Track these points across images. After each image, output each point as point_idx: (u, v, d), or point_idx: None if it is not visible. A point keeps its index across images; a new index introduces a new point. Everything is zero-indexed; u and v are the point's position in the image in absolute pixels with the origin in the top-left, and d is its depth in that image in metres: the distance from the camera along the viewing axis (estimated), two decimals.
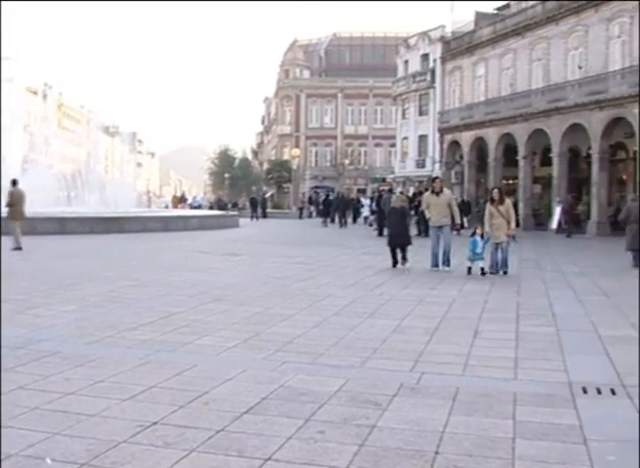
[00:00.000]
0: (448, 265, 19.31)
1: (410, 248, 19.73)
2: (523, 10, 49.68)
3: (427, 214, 19.85)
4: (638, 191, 36.43)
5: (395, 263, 19.82)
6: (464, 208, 38.34)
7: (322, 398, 6.91)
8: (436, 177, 22.35)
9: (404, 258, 19.71)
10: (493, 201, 18.88)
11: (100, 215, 36.75)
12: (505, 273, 18.57)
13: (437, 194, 19.62)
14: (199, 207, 72.37)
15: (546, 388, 7.47)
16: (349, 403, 6.80)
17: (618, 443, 5.87)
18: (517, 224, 21.53)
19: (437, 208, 19.46)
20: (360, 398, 6.96)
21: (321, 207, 54.79)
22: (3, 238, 23.78)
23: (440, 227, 19.42)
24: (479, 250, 18.45)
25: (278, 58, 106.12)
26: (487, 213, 18.94)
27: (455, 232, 21.73)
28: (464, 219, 33.43)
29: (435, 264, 19.32)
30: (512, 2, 54.85)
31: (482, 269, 18.33)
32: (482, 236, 18.70)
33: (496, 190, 19.42)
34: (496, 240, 18.53)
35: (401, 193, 41.68)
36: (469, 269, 18.50)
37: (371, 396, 7.02)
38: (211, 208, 70.16)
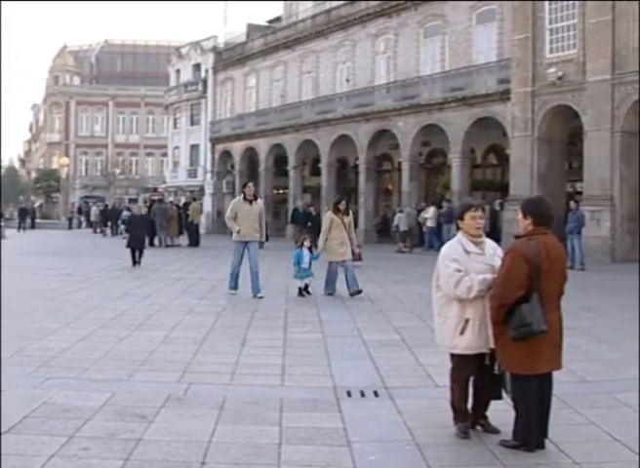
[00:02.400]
0: (259, 291, 15.96)
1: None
2: (294, 23, 50.66)
3: (235, 227, 16.01)
4: (415, 201, 38.13)
5: (135, 263, 22.89)
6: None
7: (87, 413, 6.77)
8: (247, 183, 17.81)
9: (140, 258, 23.08)
10: (338, 211, 16.38)
11: None
12: (360, 292, 15.94)
13: (250, 202, 16.21)
14: None
15: (312, 393, 7.67)
16: (115, 417, 6.70)
17: (379, 443, 6.14)
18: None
19: (249, 219, 16.00)
20: (126, 411, 6.87)
21: (98, 217, 53.72)
22: None
23: (247, 243, 16.07)
24: (305, 265, 16.03)
25: (47, 64, 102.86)
26: (327, 223, 16.38)
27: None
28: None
29: (234, 286, 16.36)
30: (283, 15, 55.88)
31: (306, 287, 16.11)
32: (310, 249, 16.39)
33: (343, 202, 16.65)
34: (341, 257, 16.08)
35: (171, 203, 41.76)
36: (301, 290, 16.08)
37: (137, 409, 6.96)
38: None
